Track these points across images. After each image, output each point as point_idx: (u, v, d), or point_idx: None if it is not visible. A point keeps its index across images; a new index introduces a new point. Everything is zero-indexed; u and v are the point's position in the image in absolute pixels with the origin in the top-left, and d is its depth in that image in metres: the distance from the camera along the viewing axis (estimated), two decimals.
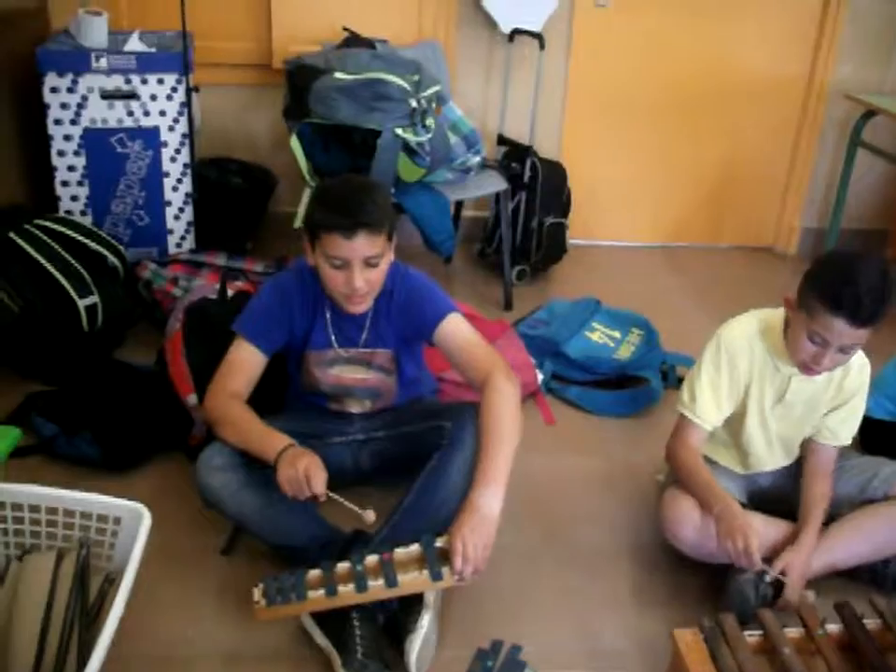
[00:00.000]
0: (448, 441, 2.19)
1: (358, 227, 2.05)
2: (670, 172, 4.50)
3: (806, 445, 2.38)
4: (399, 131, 3.04)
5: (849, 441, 2.33)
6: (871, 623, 2.06)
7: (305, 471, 1.99)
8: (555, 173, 3.91)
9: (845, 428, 2.32)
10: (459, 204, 4.10)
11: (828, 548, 2.24)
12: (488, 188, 3.65)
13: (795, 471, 2.39)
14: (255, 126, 4.13)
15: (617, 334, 3.32)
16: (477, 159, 3.57)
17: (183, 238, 3.58)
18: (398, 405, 2.46)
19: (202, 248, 3.58)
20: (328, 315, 2.30)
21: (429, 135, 3.08)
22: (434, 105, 3.20)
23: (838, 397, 2.30)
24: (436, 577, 1.96)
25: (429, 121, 3.08)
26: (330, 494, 2.03)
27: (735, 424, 2.34)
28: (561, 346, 3.19)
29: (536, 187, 3.84)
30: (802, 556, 2.15)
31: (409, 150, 3.22)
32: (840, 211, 4.29)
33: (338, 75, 3.05)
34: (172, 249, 3.56)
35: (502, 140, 4.06)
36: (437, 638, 2.06)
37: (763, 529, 2.28)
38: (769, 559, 2.22)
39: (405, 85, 3.03)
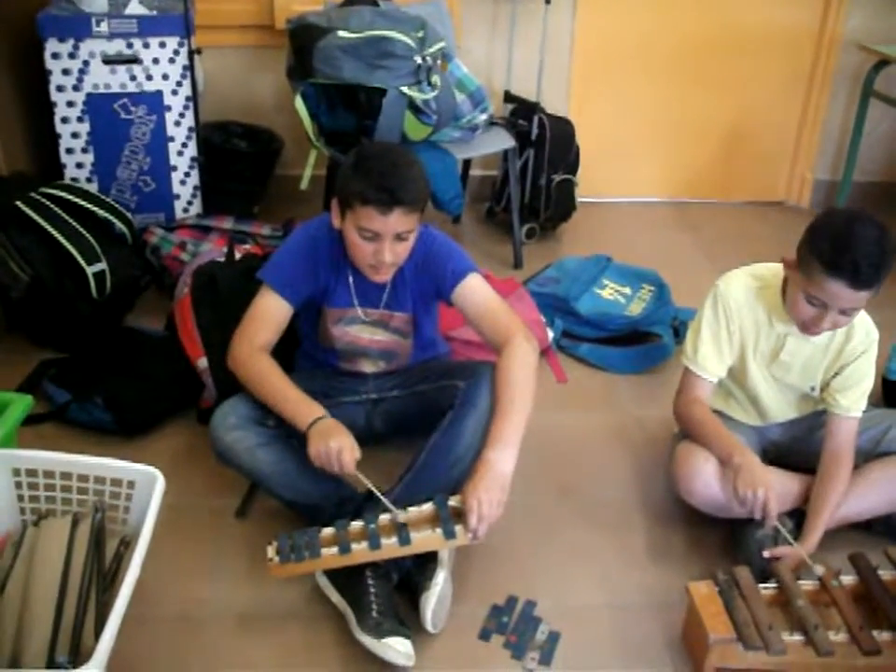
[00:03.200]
0: (461, 401, 2.19)
1: (396, 204, 2.03)
2: (680, 127, 4.45)
3: (824, 417, 2.33)
4: (405, 89, 3.01)
5: (859, 414, 2.26)
6: (886, 573, 2.07)
7: (338, 451, 1.98)
8: (563, 129, 3.86)
9: (849, 396, 2.25)
10: (467, 163, 4.06)
11: (842, 502, 2.23)
12: (496, 145, 3.62)
13: (808, 424, 2.37)
14: (259, 88, 4.09)
15: (628, 290, 3.31)
16: (484, 116, 3.53)
17: (190, 203, 3.57)
18: (411, 365, 2.45)
19: (209, 213, 3.57)
20: (350, 275, 2.27)
21: (435, 93, 3.05)
22: (439, 62, 3.17)
23: (839, 361, 2.26)
24: (449, 535, 1.96)
25: (435, 79, 3.05)
26: (360, 476, 2.04)
27: (739, 375, 2.33)
28: (571, 303, 3.17)
29: (544, 144, 3.80)
30: (799, 553, 2.10)
31: (415, 108, 3.18)
32: (853, 163, 4.24)
33: (341, 33, 3.01)
34: (179, 214, 3.55)
35: (509, 97, 4.01)
36: (452, 595, 2.07)
37: (777, 484, 2.27)
38: (786, 513, 2.23)
39: (409, 42, 3.00)
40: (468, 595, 2.12)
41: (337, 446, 1.98)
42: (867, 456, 2.34)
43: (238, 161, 3.87)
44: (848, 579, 2.06)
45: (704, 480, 2.19)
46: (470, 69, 3.71)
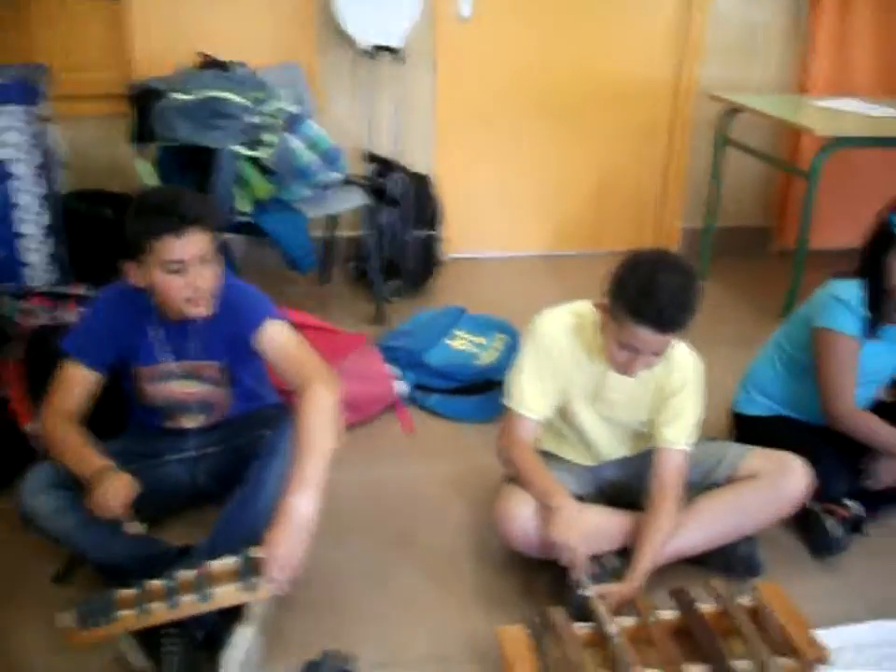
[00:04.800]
0: (265, 450, 2.16)
1: (187, 223, 2.03)
2: (548, 180, 4.52)
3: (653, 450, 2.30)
4: (238, 148, 3.01)
5: (686, 447, 2.24)
6: (708, 607, 2.05)
7: (106, 491, 1.95)
8: (422, 186, 3.90)
9: (674, 429, 2.23)
10: (333, 225, 4.06)
11: (670, 537, 2.21)
12: (348, 203, 3.62)
13: (644, 461, 2.34)
14: (123, 156, 4.06)
15: (482, 340, 3.31)
16: (336, 175, 3.54)
17: (45, 271, 3.50)
18: (233, 418, 2.41)
19: (75, 280, 3.50)
20: (156, 330, 2.25)
21: (269, 152, 3.05)
22: (279, 122, 3.17)
23: (662, 393, 2.26)
24: (249, 587, 1.90)
25: (270, 138, 3.05)
26: (129, 520, 2.03)
27: (566, 415, 2.32)
28: (421, 355, 3.17)
29: (403, 201, 3.82)
30: (623, 592, 2.07)
31: (262, 168, 3.19)
32: (714, 210, 4.33)
33: (177, 95, 3.02)
34: (32, 282, 3.48)
35: (371, 157, 4.04)
36: (261, 652, 2.00)
37: (604, 522, 2.26)
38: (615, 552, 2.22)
39: (242, 101, 3.01)
40: (285, 651, 2.06)
41: (105, 488, 1.95)
42: (699, 490, 2.34)
43: (103, 229, 3.83)
44: (669, 614, 2.04)
45: (520, 523, 2.16)
46: (333, 131, 3.74)
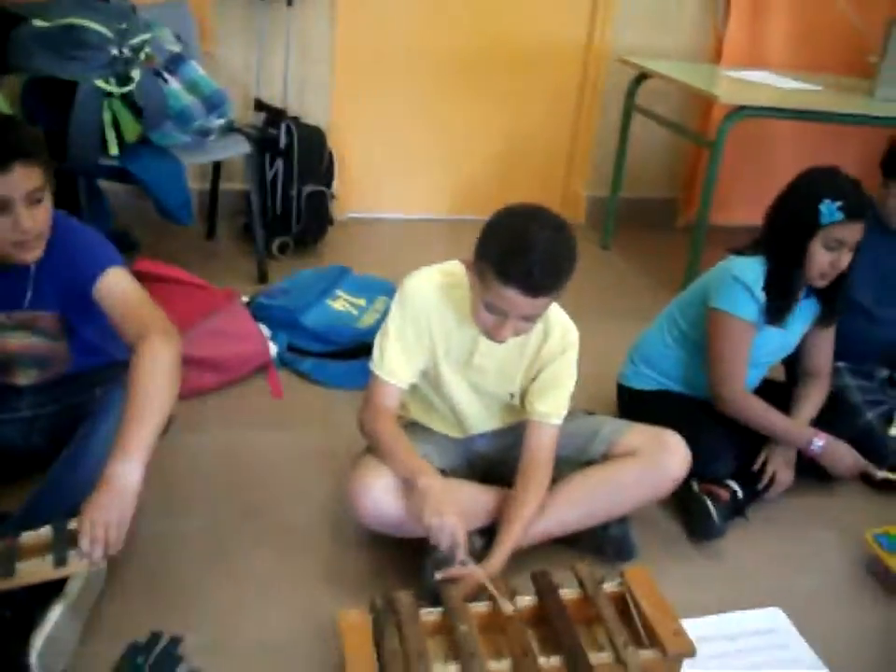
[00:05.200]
0: (95, 410, 1.96)
1: (10, 157, 1.79)
2: (453, 142, 4.34)
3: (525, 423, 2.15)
4: (100, 82, 2.76)
5: (559, 421, 2.10)
6: (571, 592, 1.91)
7: None
8: (313, 138, 3.69)
9: (547, 402, 2.09)
10: (218, 176, 3.83)
11: (538, 516, 2.06)
12: (230, 151, 3.39)
13: (518, 434, 2.17)
14: None
15: (362, 302, 3.12)
16: (219, 121, 3.30)
17: None
18: (73, 375, 2.19)
19: None
20: None
21: (132, 87, 2.81)
22: (144, 56, 2.93)
23: (536, 363, 2.10)
24: (59, 562, 1.71)
25: (134, 72, 2.81)
26: None
27: (435, 382, 2.14)
28: (297, 316, 2.97)
29: (293, 153, 3.60)
30: (480, 575, 1.89)
31: (135, 108, 2.95)
32: (619, 180, 4.19)
33: (37, 22, 2.75)
34: None
35: (259, 105, 3.81)
36: (79, 632, 1.82)
37: (469, 499, 2.10)
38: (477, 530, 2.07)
39: (105, 32, 2.76)
40: (105, 631, 1.86)
41: None
42: (573, 466, 2.19)
43: None
44: (527, 600, 1.89)
45: (374, 497, 1.98)
46: (222, 75, 3.54)
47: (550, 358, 2.09)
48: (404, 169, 4.32)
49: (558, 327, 2.09)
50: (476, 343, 2.05)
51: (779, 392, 2.60)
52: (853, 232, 2.28)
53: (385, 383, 2.06)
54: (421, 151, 4.31)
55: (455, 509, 1.86)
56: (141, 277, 2.82)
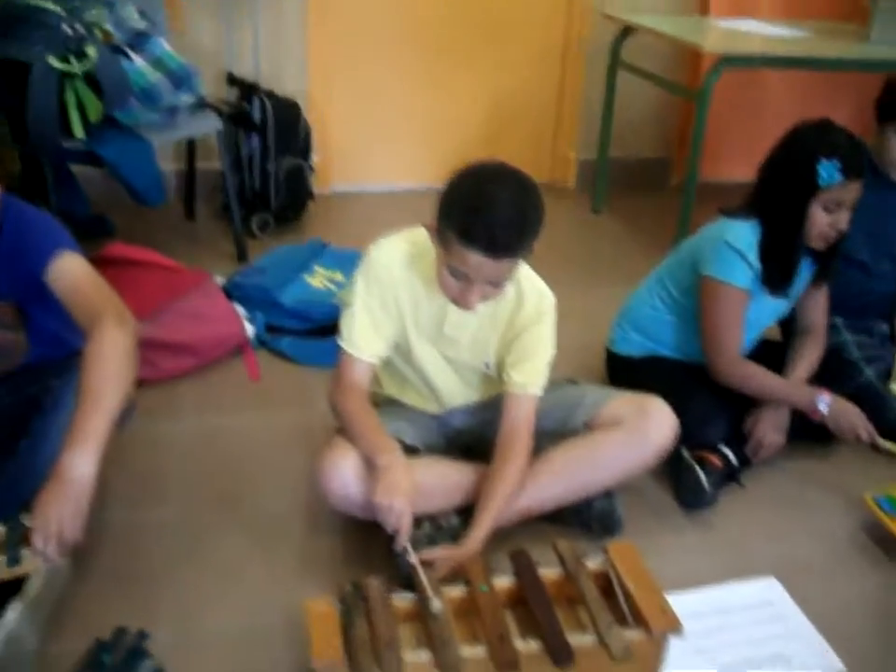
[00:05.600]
0: (51, 401, 1.88)
1: None
2: (436, 110, 4.22)
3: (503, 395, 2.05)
4: (54, 61, 2.66)
5: (537, 391, 2.00)
6: (552, 572, 1.83)
7: None
8: (288, 111, 3.58)
9: (524, 372, 1.99)
10: (192, 155, 3.72)
11: (518, 492, 1.97)
12: (199, 128, 3.30)
13: (492, 411, 2.08)
14: None
15: (339, 276, 3.02)
16: (188, 98, 3.20)
17: None
18: (31, 366, 2.11)
19: None
20: None
21: (88, 66, 2.71)
22: (99, 33, 2.82)
23: (511, 332, 2.00)
24: (12, 561, 1.65)
25: (90, 49, 2.70)
26: None
27: (406, 355, 2.05)
28: (274, 294, 2.88)
29: (267, 128, 3.50)
30: (456, 556, 1.83)
31: (97, 87, 2.85)
32: (608, 140, 4.07)
33: None
34: None
35: (231, 80, 3.70)
36: (40, 632, 1.75)
37: (444, 476, 2.02)
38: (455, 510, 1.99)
39: (57, 10, 2.65)
40: (70, 628, 1.79)
41: None
42: (555, 439, 2.10)
43: None
44: (505, 581, 1.81)
45: (341, 479, 1.89)
46: (193, 51, 3.43)
47: (525, 327, 1.99)
48: (387, 139, 4.21)
49: (533, 293, 1.99)
50: (446, 313, 1.96)
51: (775, 352, 2.51)
52: (853, 191, 2.17)
53: (353, 358, 1.98)
54: (404, 120, 4.20)
55: (408, 491, 1.78)
56: (113, 261, 2.77)
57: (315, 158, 3.81)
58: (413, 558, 1.75)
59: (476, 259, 1.70)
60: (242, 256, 3.41)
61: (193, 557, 2.01)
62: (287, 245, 3.39)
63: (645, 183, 4.45)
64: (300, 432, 2.44)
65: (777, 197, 2.22)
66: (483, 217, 1.66)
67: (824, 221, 2.18)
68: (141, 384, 2.58)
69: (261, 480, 2.28)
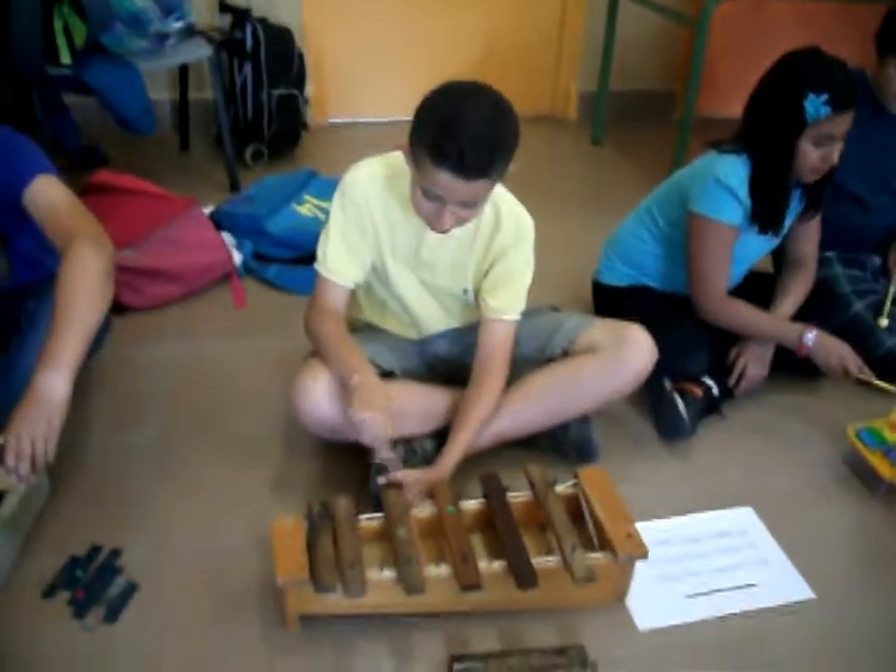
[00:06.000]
0: (26, 322, 1.87)
1: None
2: (435, 40, 4.14)
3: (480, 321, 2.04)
4: None
5: (514, 316, 1.99)
6: (522, 495, 1.83)
7: None
8: (281, 39, 3.52)
9: (500, 297, 1.97)
10: (185, 85, 3.68)
11: (492, 416, 1.97)
12: (190, 55, 3.25)
13: (471, 337, 2.06)
14: None
15: (328, 204, 2.98)
16: (176, 24, 3.15)
17: None
18: (11, 289, 2.11)
19: None
20: None
21: None
22: None
23: (488, 256, 1.97)
24: None
25: None
26: None
27: (384, 280, 2.03)
28: (262, 222, 2.86)
29: (259, 56, 3.45)
30: (427, 478, 1.83)
31: (82, 11, 2.82)
32: (608, 71, 4.00)
33: None
34: None
35: (223, 6, 3.64)
36: (17, 548, 1.78)
37: (417, 399, 2.02)
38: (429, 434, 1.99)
39: None
40: (47, 545, 1.82)
41: None
42: (534, 366, 2.09)
43: None
44: (474, 503, 1.81)
45: (312, 399, 1.89)
46: None
47: (502, 251, 1.97)
48: (384, 71, 4.14)
49: (511, 217, 1.96)
50: (423, 237, 1.93)
51: (765, 284, 2.48)
52: (842, 124, 2.09)
53: (328, 282, 1.97)
54: (401, 51, 4.13)
55: (384, 405, 1.77)
56: (100, 188, 2.75)
57: (311, 88, 3.76)
58: (382, 477, 1.76)
59: (447, 180, 1.67)
60: (234, 186, 3.39)
61: (170, 478, 2.03)
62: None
63: (649, 116, 4.37)
64: (282, 358, 2.43)
65: (766, 133, 2.16)
66: (454, 137, 1.62)
67: (815, 156, 2.13)
68: (127, 310, 2.59)
69: (241, 404, 2.28)
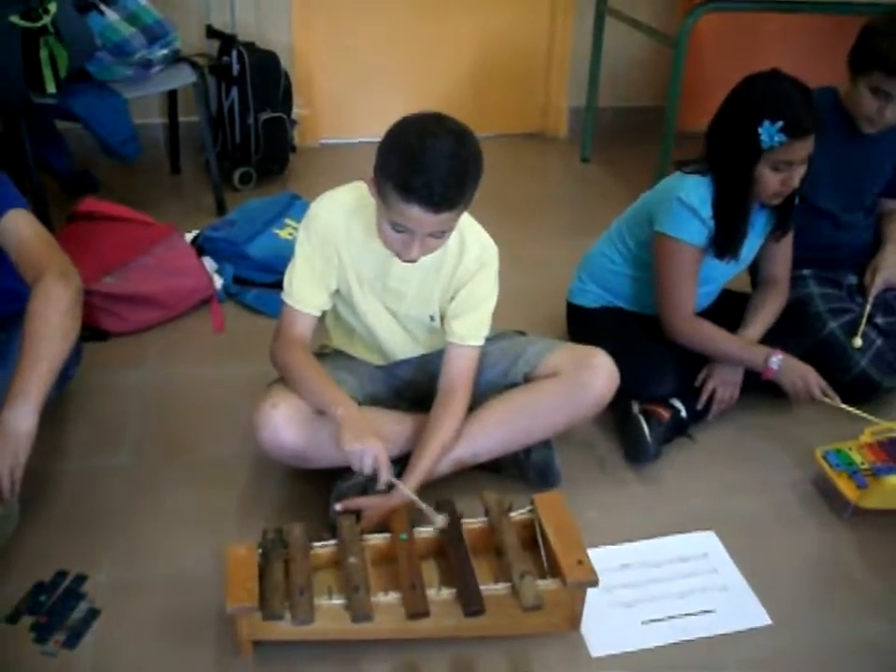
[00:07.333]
0: None
1: None
2: (425, 59, 4.19)
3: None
4: (14, 19, 2.68)
5: (478, 342, 2.01)
6: (478, 522, 1.85)
7: None
8: (266, 63, 3.56)
9: (465, 323, 1.99)
10: (174, 110, 3.73)
11: (453, 442, 1.99)
12: (175, 82, 3.30)
13: (438, 363, 2.07)
14: None
15: None
16: (162, 52, 3.20)
17: None
18: None
19: None
20: None
21: (46, 20, 2.72)
22: None
23: (453, 282, 2.00)
24: None
25: (50, 5, 2.72)
26: None
27: (351, 307, 2.06)
28: (242, 247, 2.90)
29: (245, 80, 3.50)
30: (386, 504, 1.86)
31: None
32: (595, 88, 4.01)
33: None
34: None
35: (211, 32, 3.69)
36: None
37: (391, 425, 2.04)
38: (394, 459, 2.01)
39: None
40: (15, 572, 1.85)
41: None
42: (497, 390, 2.11)
43: None
44: (427, 530, 1.83)
45: (272, 426, 1.91)
46: (176, 5, 3.43)
47: (467, 277, 1.99)
48: (374, 91, 4.18)
49: (475, 244, 1.99)
50: (390, 266, 1.96)
51: (738, 304, 2.49)
52: (801, 150, 2.09)
53: (294, 311, 1.99)
54: (391, 71, 4.17)
55: (372, 431, 1.80)
56: (84, 217, 2.79)
57: (302, 110, 3.81)
58: (338, 504, 1.80)
59: (416, 213, 1.69)
60: (221, 209, 3.43)
61: (139, 504, 2.06)
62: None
63: (638, 132, 4.38)
64: (259, 383, 2.42)
65: (724, 158, 2.17)
66: (421, 173, 1.64)
67: (775, 181, 2.13)
68: (108, 335, 2.63)
69: (215, 429, 2.31)
